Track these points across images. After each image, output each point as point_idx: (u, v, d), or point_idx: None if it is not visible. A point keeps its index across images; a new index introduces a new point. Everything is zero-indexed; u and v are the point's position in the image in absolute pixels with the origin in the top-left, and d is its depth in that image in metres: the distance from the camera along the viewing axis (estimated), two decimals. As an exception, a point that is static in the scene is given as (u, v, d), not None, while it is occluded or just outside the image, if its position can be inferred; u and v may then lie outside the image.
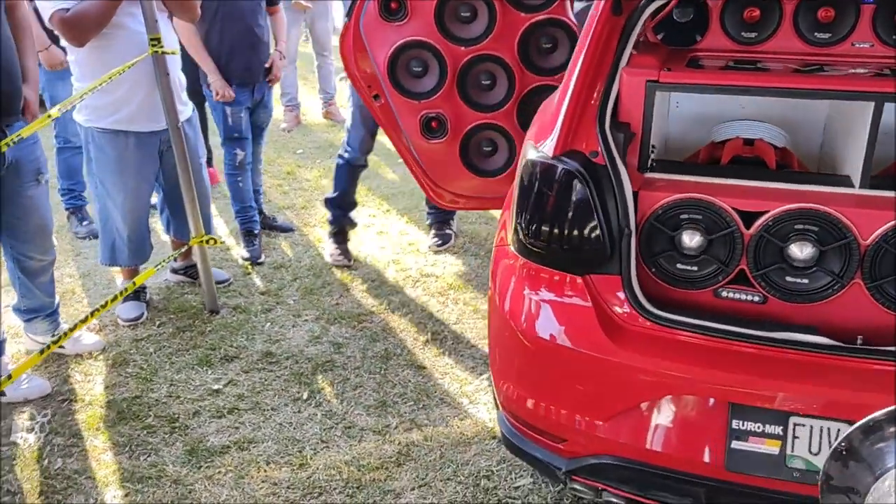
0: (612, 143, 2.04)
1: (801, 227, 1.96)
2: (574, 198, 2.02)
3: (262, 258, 4.22)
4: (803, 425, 1.89)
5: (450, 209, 4.13)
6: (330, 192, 4.26)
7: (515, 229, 2.18)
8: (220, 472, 2.65)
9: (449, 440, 2.77)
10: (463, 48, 3.21)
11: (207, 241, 3.61)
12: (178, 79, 3.47)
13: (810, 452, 1.89)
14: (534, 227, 2.10)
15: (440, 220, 4.40)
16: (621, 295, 2.03)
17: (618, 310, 2.04)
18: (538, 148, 2.13)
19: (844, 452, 1.23)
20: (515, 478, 2.58)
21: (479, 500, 2.49)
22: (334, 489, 2.56)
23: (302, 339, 3.46)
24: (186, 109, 3.54)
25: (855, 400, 1.86)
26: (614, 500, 2.16)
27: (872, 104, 1.91)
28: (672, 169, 2.18)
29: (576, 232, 2.03)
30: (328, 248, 4.22)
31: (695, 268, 2.07)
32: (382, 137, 4.23)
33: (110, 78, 3.13)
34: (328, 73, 7.00)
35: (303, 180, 5.56)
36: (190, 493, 2.56)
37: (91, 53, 3.18)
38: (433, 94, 3.28)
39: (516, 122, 3.36)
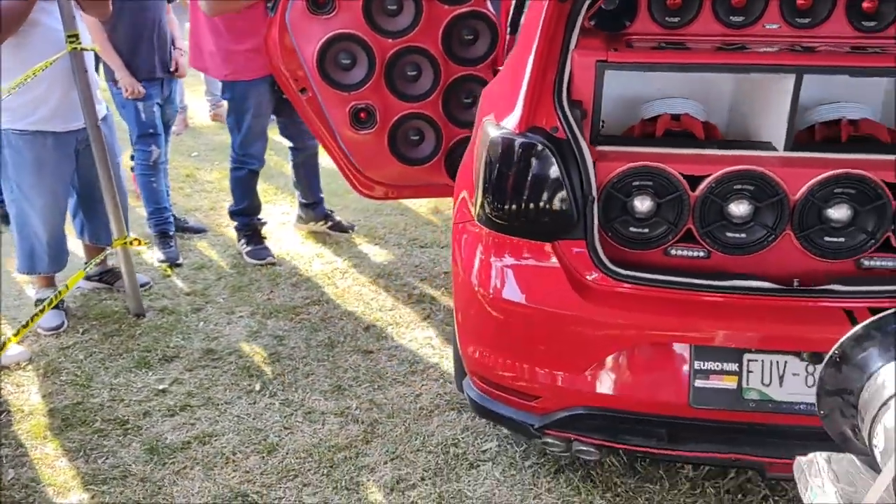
0: (571, 119, 2.22)
1: (739, 187, 2.20)
2: (542, 169, 2.18)
3: (181, 260, 4.14)
4: (755, 360, 2.15)
5: (377, 199, 4.20)
6: (234, 205, 4.20)
7: (482, 204, 2.31)
8: (186, 467, 2.62)
9: (411, 415, 2.87)
10: (390, 40, 3.32)
11: (131, 243, 3.53)
12: (94, 77, 3.37)
13: (763, 384, 2.15)
14: (503, 200, 2.25)
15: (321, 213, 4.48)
16: (586, 257, 2.22)
17: (584, 271, 2.22)
18: (501, 126, 2.27)
19: (838, 359, 1.44)
20: (482, 442, 2.71)
21: (450, 465, 2.60)
22: (308, 470, 2.60)
23: (241, 335, 3.45)
24: (102, 108, 3.44)
25: (796, 334, 2.14)
26: (584, 448, 2.34)
27: (794, 76, 2.19)
28: (621, 142, 2.39)
29: (545, 201, 2.20)
30: (246, 251, 4.18)
31: (647, 230, 2.28)
32: (278, 136, 4.30)
33: (29, 76, 3.01)
34: None
35: (204, 182, 5.45)
36: (160, 489, 2.52)
37: (6, 53, 3.04)
38: (362, 85, 3.37)
39: (442, 112, 3.51)
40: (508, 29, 3.42)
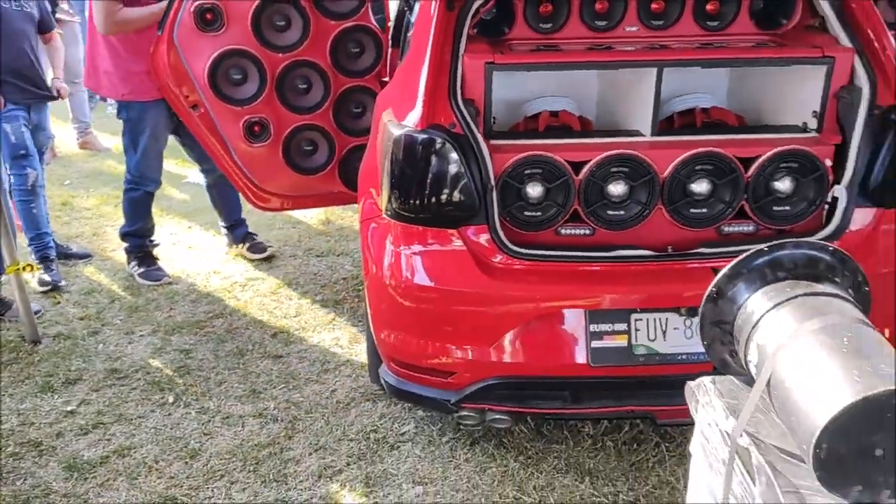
0: (467, 116, 2.44)
1: (615, 169, 2.49)
2: (445, 161, 2.39)
3: (64, 282, 4.05)
4: (641, 319, 2.43)
5: (274, 211, 4.27)
6: (126, 226, 4.17)
7: (389, 198, 2.49)
8: (109, 480, 2.64)
9: (328, 409, 2.99)
10: (280, 55, 3.44)
11: (24, 269, 3.46)
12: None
13: (649, 340, 2.44)
14: (410, 192, 2.44)
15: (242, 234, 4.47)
16: (489, 240, 2.44)
17: (488, 253, 2.44)
18: (403, 124, 2.47)
19: (715, 295, 1.72)
20: (400, 426, 2.87)
21: (372, 450, 2.75)
22: (234, 469, 2.67)
23: (145, 353, 3.45)
24: (-18, 133, 3.37)
25: (673, 292, 2.44)
26: (498, 416, 2.56)
27: (655, 70, 2.51)
28: (511, 136, 2.64)
29: (449, 191, 2.41)
30: (139, 272, 4.14)
31: (539, 213, 2.53)
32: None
33: None
34: (81, 101, 6.69)
35: (82, 209, 5.32)
36: (86, 502, 2.52)
37: None
38: (255, 99, 3.47)
39: (333, 122, 3.66)
40: (391, 42, 3.65)
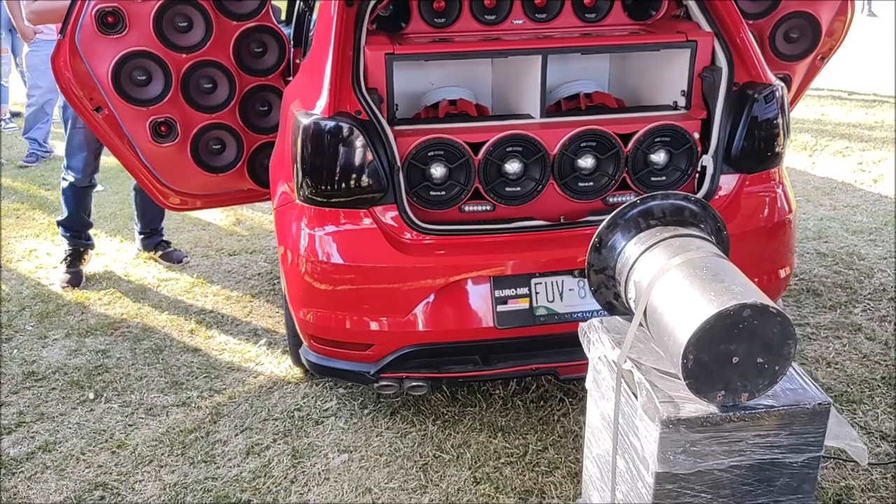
0: (371, 103, 2.62)
1: (510, 149, 2.72)
2: (353, 146, 2.56)
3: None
4: (540, 283, 2.67)
5: (184, 210, 4.31)
6: (60, 215, 4.31)
7: (302, 184, 2.64)
8: (37, 473, 2.67)
9: (251, 394, 3.10)
10: (184, 55, 3.52)
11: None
12: None
13: (548, 301, 2.67)
14: (322, 177, 2.60)
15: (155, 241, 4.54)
16: (397, 217, 2.62)
17: (398, 230, 2.62)
18: (311, 113, 2.62)
19: (598, 245, 1.96)
20: (322, 403, 3.01)
21: (297, 426, 2.88)
22: (163, 454, 2.75)
23: (60, 355, 3.46)
24: None
25: (566, 256, 2.68)
26: (415, 383, 2.74)
27: (540, 57, 2.75)
28: (414, 122, 2.83)
29: (358, 173, 2.58)
30: (59, 273, 4.19)
31: (443, 192, 2.73)
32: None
33: None
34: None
35: (-21, 224, 5.20)
36: (15, 496, 2.56)
37: None
38: (160, 100, 3.52)
39: (240, 120, 3.75)
40: (292, 42, 3.78)
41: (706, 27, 2.87)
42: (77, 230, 4.29)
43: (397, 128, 2.72)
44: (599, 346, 1.93)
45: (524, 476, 2.56)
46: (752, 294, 1.59)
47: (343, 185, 2.59)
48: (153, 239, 4.50)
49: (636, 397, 1.73)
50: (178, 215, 4.94)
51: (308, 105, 2.69)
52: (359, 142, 2.56)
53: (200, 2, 3.40)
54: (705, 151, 2.82)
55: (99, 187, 5.67)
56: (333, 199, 2.62)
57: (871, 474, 2.47)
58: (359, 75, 2.66)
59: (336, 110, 2.59)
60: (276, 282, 4.12)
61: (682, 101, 2.90)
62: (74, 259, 4.26)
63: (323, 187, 2.60)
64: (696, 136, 2.81)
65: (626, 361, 1.78)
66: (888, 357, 3.17)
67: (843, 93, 7.63)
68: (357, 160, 2.57)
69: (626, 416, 1.80)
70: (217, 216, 4.96)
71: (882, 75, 8.28)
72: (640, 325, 1.80)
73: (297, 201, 2.70)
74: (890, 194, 5.03)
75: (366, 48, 2.70)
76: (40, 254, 4.58)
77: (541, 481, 2.53)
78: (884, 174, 5.41)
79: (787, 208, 2.91)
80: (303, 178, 2.64)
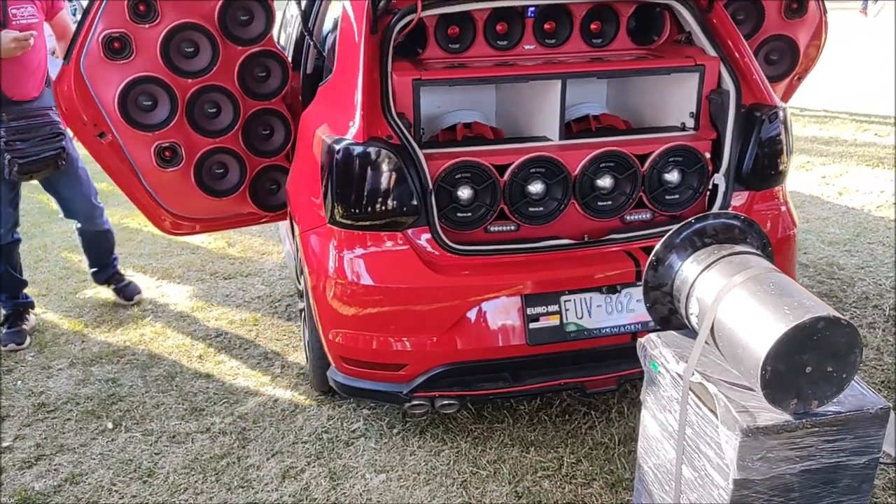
0: (402, 128, 2.67)
1: (534, 170, 2.80)
2: (387, 170, 2.61)
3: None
4: (569, 300, 2.75)
5: (183, 235, 4.26)
6: None
7: (334, 208, 2.68)
8: (68, 507, 2.63)
9: (275, 417, 3.10)
10: (189, 80, 3.52)
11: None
12: None
13: (577, 318, 2.76)
14: (355, 201, 2.64)
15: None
16: (430, 239, 2.68)
17: (430, 250, 2.68)
18: (345, 139, 2.66)
19: (655, 263, 2.05)
20: (349, 424, 3.03)
21: (328, 448, 2.89)
22: (196, 482, 2.74)
23: (68, 385, 3.39)
24: None
25: (593, 274, 2.77)
26: (446, 402, 2.79)
27: (560, 81, 2.85)
28: (440, 146, 2.89)
29: (392, 197, 2.63)
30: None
31: (470, 214, 2.80)
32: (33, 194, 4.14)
33: None
34: None
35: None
36: (50, 531, 2.51)
37: None
38: (166, 125, 3.51)
39: (243, 144, 3.76)
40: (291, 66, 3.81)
41: (711, 52, 3.01)
42: (10, 291, 3.94)
43: (425, 151, 2.78)
44: (660, 359, 2.02)
45: (563, 489, 2.63)
46: (822, 307, 1.70)
47: (379, 208, 2.63)
48: (105, 272, 4.21)
49: (708, 408, 1.82)
50: (165, 239, 4.89)
51: (339, 130, 2.73)
52: (394, 166, 2.61)
53: (207, 27, 3.41)
54: (716, 170, 2.96)
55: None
56: (368, 223, 2.66)
57: (889, 473, 2.62)
58: (388, 100, 2.71)
59: (369, 135, 2.64)
60: (276, 304, 4.12)
61: (690, 123, 3.04)
62: (15, 319, 3.93)
63: (358, 211, 2.64)
64: (708, 155, 2.95)
65: (693, 373, 1.87)
66: (883, 362, 3.35)
67: (796, 109, 7.97)
68: (393, 184, 2.62)
69: (694, 427, 1.89)
70: (206, 239, 4.92)
71: (831, 92, 8.69)
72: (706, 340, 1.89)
73: (328, 224, 2.73)
74: (856, 206, 5.29)
75: (393, 74, 2.76)
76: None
77: (581, 493, 2.61)
78: (847, 187, 5.68)
79: (791, 223, 3.06)
80: (336, 202, 2.67)
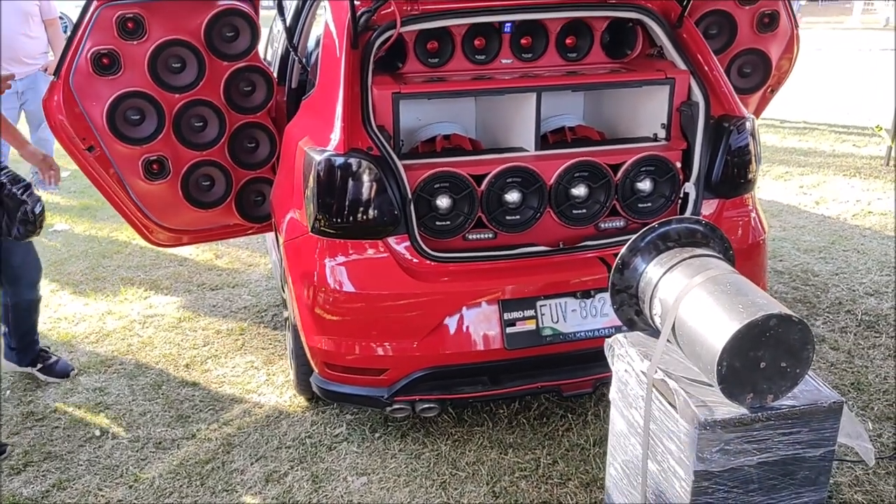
0: (381, 139, 2.76)
1: (510, 180, 2.89)
2: (368, 180, 2.70)
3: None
4: (545, 305, 2.83)
5: (169, 247, 4.33)
6: None
7: (317, 218, 2.76)
8: (55, 512, 2.68)
9: (259, 423, 3.16)
10: (176, 95, 3.60)
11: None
12: None
13: (552, 322, 2.84)
14: (337, 210, 2.72)
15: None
16: (409, 247, 2.76)
17: (409, 258, 2.76)
18: (326, 150, 2.75)
19: (621, 266, 2.14)
20: (332, 429, 3.10)
21: (311, 452, 2.96)
22: (182, 486, 2.79)
23: (57, 395, 3.45)
24: None
25: (568, 279, 2.86)
26: (427, 405, 2.86)
27: (535, 94, 2.95)
28: (419, 157, 2.98)
29: (373, 206, 2.71)
30: None
31: (448, 222, 2.88)
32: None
33: None
34: None
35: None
36: (37, 534, 2.57)
37: None
38: (153, 138, 3.59)
39: (228, 157, 3.84)
40: (276, 80, 3.89)
41: (681, 65, 3.11)
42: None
43: (404, 162, 2.86)
44: (626, 358, 2.11)
45: (540, 489, 2.70)
46: (775, 305, 1.78)
47: (360, 217, 2.72)
48: (30, 352, 3.64)
49: (669, 404, 1.90)
50: (153, 252, 4.95)
51: (320, 142, 2.81)
52: (374, 176, 2.70)
53: (194, 43, 3.49)
54: (687, 179, 3.05)
55: (65, 227, 5.64)
56: (349, 231, 2.74)
57: (855, 471, 2.70)
58: (368, 113, 2.80)
59: (350, 147, 2.72)
60: (263, 314, 4.19)
61: (661, 133, 3.14)
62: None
63: (339, 220, 2.73)
64: (679, 165, 3.05)
65: (656, 371, 1.96)
66: (853, 365, 3.44)
67: (776, 121, 8.12)
68: (373, 194, 2.70)
69: (658, 422, 1.97)
70: (193, 251, 4.99)
71: (810, 104, 8.84)
72: (668, 338, 1.98)
73: (311, 233, 2.81)
74: (832, 214, 5.41)
75: (373, 87, 2.85)
76: (16, 294, 4.52)
77: (556, 493, 2.68)
78: (824, 196, 5.80)
79: (760, 230, 3.16)
80: (318, 212, 2.75)
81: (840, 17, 16.85)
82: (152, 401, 3.37)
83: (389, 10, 2.88)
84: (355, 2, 2.85)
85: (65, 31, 6.83)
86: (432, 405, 2.87)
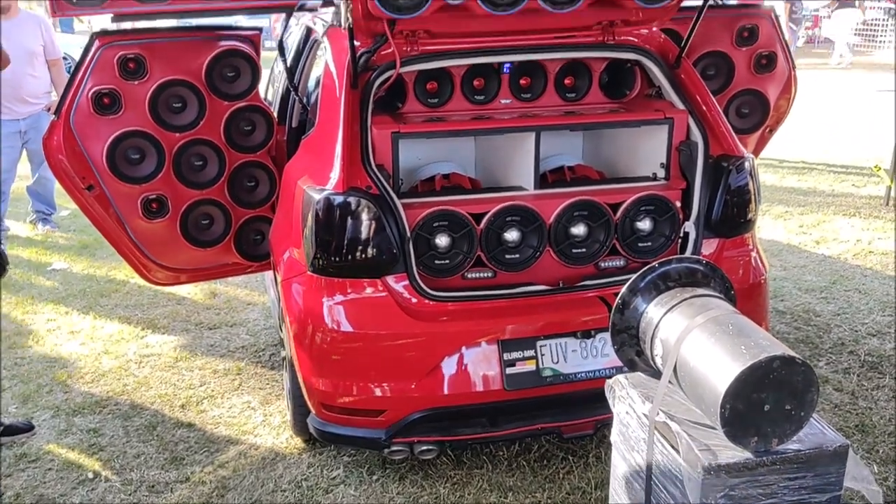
0: (380, 178, 2.76)
1: (510, 218, 2.89)
2: (366, 219, 2.69)
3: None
4: (545, 345, 2.81)
5: (167, 286, 4.30)
6: None
7: (315, 256, 2.75)
8: (45, 557, 2.62)
9: (255, 466, 3.11)
10: (177, 134, 3.61)
11: None
12: None
13: (553, 362, 2.81)
14: (336, 249, 2.71)
15: None
16: (408, 286, 2.74)
17: (408, 297, 2.74)
18: (325, 189, 2.74)
19: (621, 307, 2.11)
20: (329, 472, 3.04)
21: (308, 496, 2.90)
22: (174, 531, 2.74)
23: (50, 436, 3.40)
24: None
25: (568, 319, 2.84)
26: (426, 447, 2.82)
27: (534, 133, 2.96)
28: (418, 195, 2.98)
29: (372, 245, 2.70)
30: None
31: (448, 261, 2.87)
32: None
33: None
34: None
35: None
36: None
37: None
38: (153, 177, 3.59)
39: (228, 196, 3.83)
40: (277, 120, 3.91)
41: (680, 105, 3.13)
42: None
43: (404, 200, 2.86)
44: (628, 400, 2.07)
45: (540, 533, 2.65)
46: (778, 346, 1.76)
47: (358, 255, 2.70)
48: None
49: (672, 447, 1.86)
50: (151, 290, 4.93)
51: (319, 181, 2.81)
52: (372, 215, 2.69)
53: (195, 83, 3.51)
54: (687, 218, 3.05)
55: (63, 265, 5.63)
56: (348, 270, 2.73)
57: (862, 515, 2.65)
58: (368, 152, 2.80)
59: (349, 185, 2.72)
60: (260, 354, 4.15)
61: (661, 173, 3.14)
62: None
63: (338, 259, 2.71)
64: (678, 204, 3.04)
65: (658, 414, 1.92)
66: (857, 406, 3.40)
67: (775, 161, 8.14)
68: (371, 232, 2.70)
69: (660, 466, 1.93)
70: (192, 290, 4.96)
71: (808, 144, 8.88)
72: (669, 380, 1.94)
73: (309, 272, 2.79)
74: (833, 254, 5.39)
75: (373, 127, 2.86)
76: (12, 333, 4.49)
77: (557, 538, 2.63)
78: (825, 236, 5.79)
79: (761, 269, 3.14)
80: (316, 250, 2.74)
81: (825, 59, 17.05)
82: (146, 442, 3.32)
83: (389, 50, 2.90)
84: (355, 42, 2.87)
85: (68, 71, 6.88)
86: (431, 447, 2.82)
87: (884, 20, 18.67)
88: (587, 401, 2.82)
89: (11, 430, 3.43)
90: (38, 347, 4.32)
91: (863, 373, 3.69)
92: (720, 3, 3.34)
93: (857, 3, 16.57)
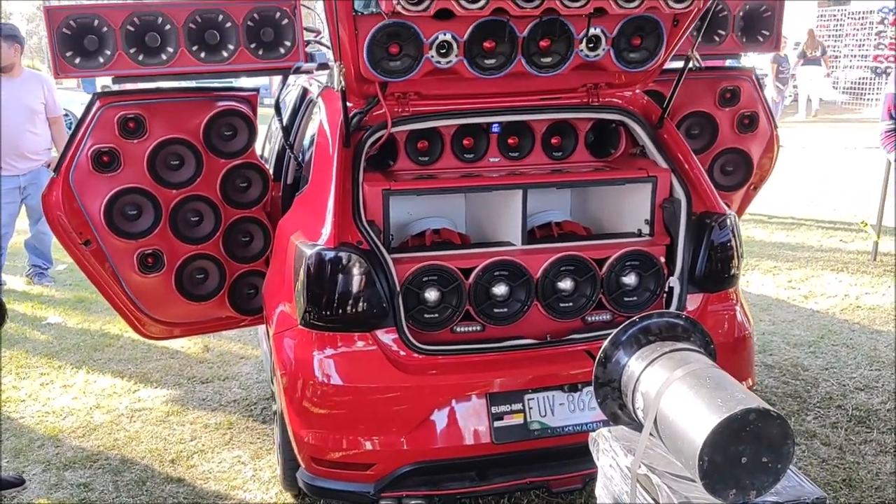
0: (371, 234, 2.83)
1: (498, 273, 2.95)
2: (357, 274, 2.75)
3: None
4: (533, 398, 2.84)
5: (161, 340, 4.33)
6: None
7: (306, 310, 2.80)
8: None
9: (245, 521, 3.11)
10: (174, 191, 3.69)
11: None
12: None
13: (540, 416, 2.84)
14: (326, 303, 2.76)
15: None
16: (397, 339, 2.79)
17: (398, 351, 2.78)
18: (317, 244, 2.81)
19: (603, 360, 2.16)
20: (319, 526, 3.05)
21: (296, 552, 2.90)
22: (162, 587, 2.73)
23: (41, 490, 3.40)
24: None
25: (556, 373, 2.88)
26: (415, 501, 2.82)
27: (521, 191, 3.04)
28: (408, 250, 3.05)
29: (362, 300, 2.76)
30: None
31: (436, 315, 2.92)
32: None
33: None
34: None
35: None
36: None
37: None
38: (149, 233, 3.65)
39: (223, 250, 3.90)
40: (272, 177, 4.00)
41: (662, 164, 3.22)
42: None
43: (394, 255, 2.92)
44: (611, 453, 2.10)
45: (528, 589, 2.64)
46: (754, 399, 1.80)
47: (348, 310, 2.76)
48: None
49: (654, 500, 1.89)
50: (145, 344, 4.95)
51: (311, 236, 2.88)
52: (363, 270, 2.75)
53: (193, 142, 3.60)
54: (671, 274, 3.11)
55: (58, 319, 5.66)
56: (337, 324, 2.78)
57: (849, 570, 2.65)
58: (359, 209, 2.88)
59: (340, 241, 2.79)
60: (252, 408, 4.16)
61: (645, 229, 3.21)
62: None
63: (328, 313, 2.76)
64: (663, 259, 3.11)
65: (640, 467, 1.95)
66: (845, 461, 3.41)
67: (764, 216, 8.26)
68: (361, 287, 2.75)
69: (643, 519, 1.95)
70: (185, 344, 4.99)
71: (796, 200, 9.03)
72: (651, 433, 1.98)
73: (300, 325, 2.84)
74: (821, 309, 5.45)
75: (364, 184, 2.94)
76: (6, 386, 4.50)
77: None
78: (813, 290, 5.86)
79: (746, 324, 3.20)
80: (306, 304, 2.79)
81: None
82: (136, 497, 3.32)
83: (381, 111, 3.00)
84: (348, 104, 2.97)
85: (69, 127, 7.01)
86: (420, 501, 2.83)
87: (871, 79, 19.11)
88: (575, 454, 2.84)
89: (2, 485, 3.44)
90: (30, 401, 4.33)
91: (850, 427, 3.71)
92: (701, 66, 3.46)
93: (821, 59, 16.91)
